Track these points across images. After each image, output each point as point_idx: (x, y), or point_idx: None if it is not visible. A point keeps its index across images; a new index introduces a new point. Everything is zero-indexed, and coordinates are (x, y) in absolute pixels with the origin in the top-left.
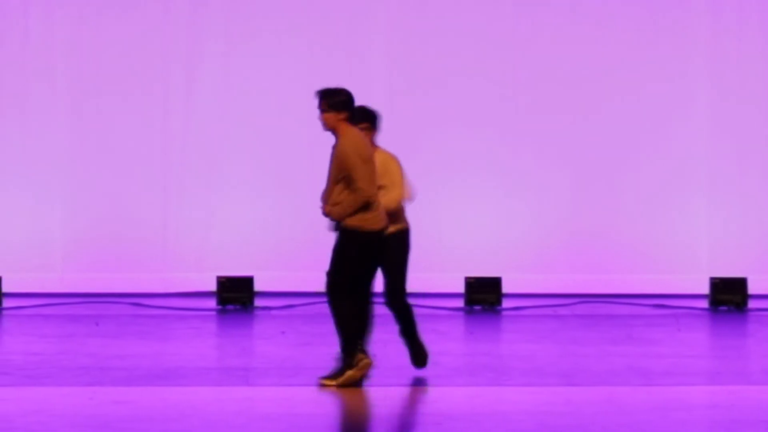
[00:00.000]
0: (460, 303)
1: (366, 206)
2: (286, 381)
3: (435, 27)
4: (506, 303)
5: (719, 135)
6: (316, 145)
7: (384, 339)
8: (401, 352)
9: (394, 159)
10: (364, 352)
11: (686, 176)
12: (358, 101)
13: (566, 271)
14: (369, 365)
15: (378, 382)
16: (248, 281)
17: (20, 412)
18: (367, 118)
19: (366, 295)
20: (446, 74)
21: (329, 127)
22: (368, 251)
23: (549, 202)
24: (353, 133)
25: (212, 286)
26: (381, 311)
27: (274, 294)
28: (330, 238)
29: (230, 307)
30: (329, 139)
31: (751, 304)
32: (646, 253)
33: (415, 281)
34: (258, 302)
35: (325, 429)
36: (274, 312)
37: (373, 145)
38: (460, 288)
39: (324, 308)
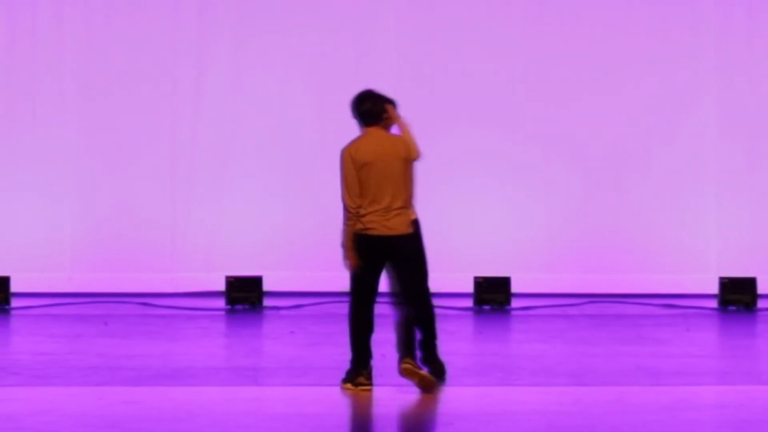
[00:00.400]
0: (469, 303)
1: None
2: (294, 381)
3: (443, 24)
4: (515, 303)
5: (728, 134)
6: (326, 145)
7: (393, 339)
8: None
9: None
10: (368, 376)
11: (695, 175)
12: None
13: (575, 270)
14: (365, 391)
15: (387, 381)
16: (257, 281)
17: (29, 411)
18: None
19: (414, 301)
20: (454, 73)
21: None
22: (367, 255)
23: (558, 202)
24: (359, 137)
25: (221, 286)
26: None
27: (283, 294)
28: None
29: (239, 306)
30: (339, 138)
31: (761, 303)
32: (655, 253)
33: None
34: (267, 302)
35: (333, 429)
36: (283, 312)
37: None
38: (469, 288)
39: (332, 308)
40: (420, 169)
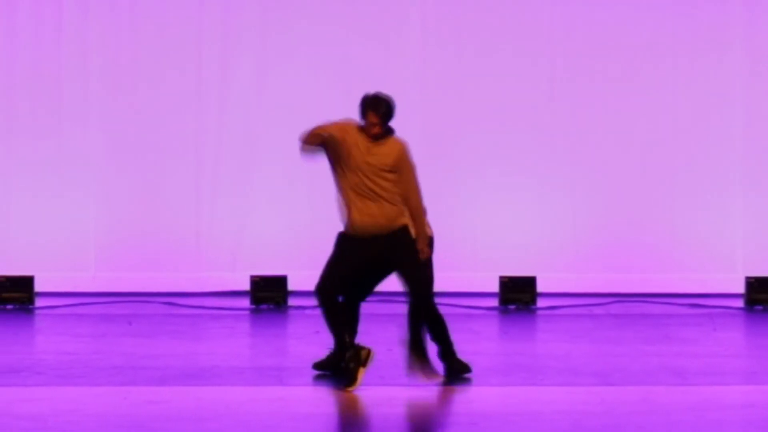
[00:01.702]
0: (494, 302)
1: None
2: (319, 381)
3: (469, 22)
4: (541, 302)
5: (755, 131)
6: None
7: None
8: (433, 351)
9: None
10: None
11: (721, 174)
12: (392, 96)
13: (601, 270)
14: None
15: (412, 381)
16: (282, 280)
17: (53, 411)
18: None
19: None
20: (480, 71)
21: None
22: None
23: (583, 201)
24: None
25: (246, 286)
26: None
27: (308, 293)
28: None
29: (264, 306)
30: None
31: None
32: (681, 252)
33: (449, 281)
34: (292, 302)
35: (358, 429)
36: (307, 311)
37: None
38: (495, 287)
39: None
40: (446, 168)
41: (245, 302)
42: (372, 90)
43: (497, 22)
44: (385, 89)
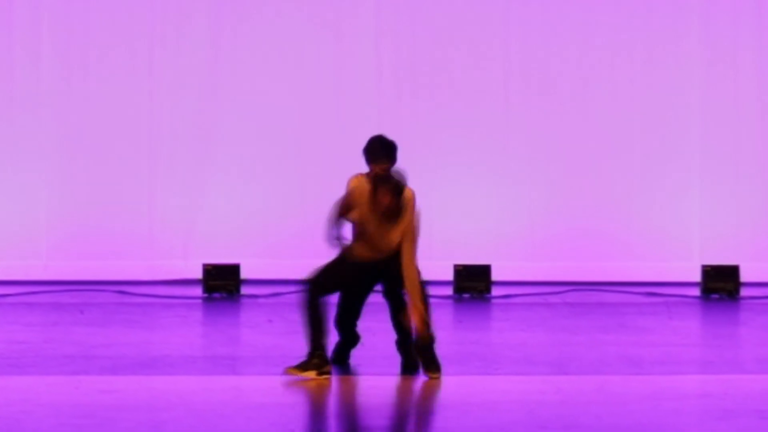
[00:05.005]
0: (448, 291)
1: None
2: (273, 370)
3: (424, 14)
4: (495, 291)
5: (711, 121)
6: (304, 132)
7: (373, 328)
8: (390, 341)
9: None
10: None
11: (678, 163)
12: (347, 91)
13: (556, 258)
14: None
15: (367, 371)
16: (235, 269)
17: (4, 401)
18: None
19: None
20: (435, 61)
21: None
22: None
23: (539, 190)
24: None
25: (198, 274)
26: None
27: (261, 282)
28: (318, 226)
29: (216, 295)
30: (320, 125)
31: (744, 292)
32: (637, 241)
33: None
34: (244, 290)
35: (313, 418)
36: (260, 300)
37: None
38: (449, 276)
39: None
40: (400, 156)
41: (198, 291)
42: (325, 79)
43: (451, 14)
44: (339, 81)
